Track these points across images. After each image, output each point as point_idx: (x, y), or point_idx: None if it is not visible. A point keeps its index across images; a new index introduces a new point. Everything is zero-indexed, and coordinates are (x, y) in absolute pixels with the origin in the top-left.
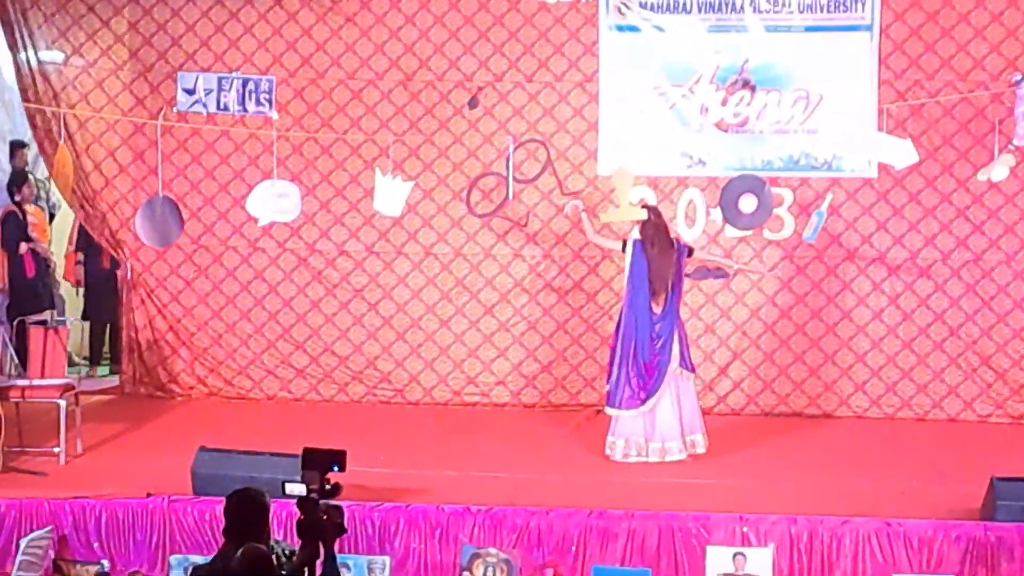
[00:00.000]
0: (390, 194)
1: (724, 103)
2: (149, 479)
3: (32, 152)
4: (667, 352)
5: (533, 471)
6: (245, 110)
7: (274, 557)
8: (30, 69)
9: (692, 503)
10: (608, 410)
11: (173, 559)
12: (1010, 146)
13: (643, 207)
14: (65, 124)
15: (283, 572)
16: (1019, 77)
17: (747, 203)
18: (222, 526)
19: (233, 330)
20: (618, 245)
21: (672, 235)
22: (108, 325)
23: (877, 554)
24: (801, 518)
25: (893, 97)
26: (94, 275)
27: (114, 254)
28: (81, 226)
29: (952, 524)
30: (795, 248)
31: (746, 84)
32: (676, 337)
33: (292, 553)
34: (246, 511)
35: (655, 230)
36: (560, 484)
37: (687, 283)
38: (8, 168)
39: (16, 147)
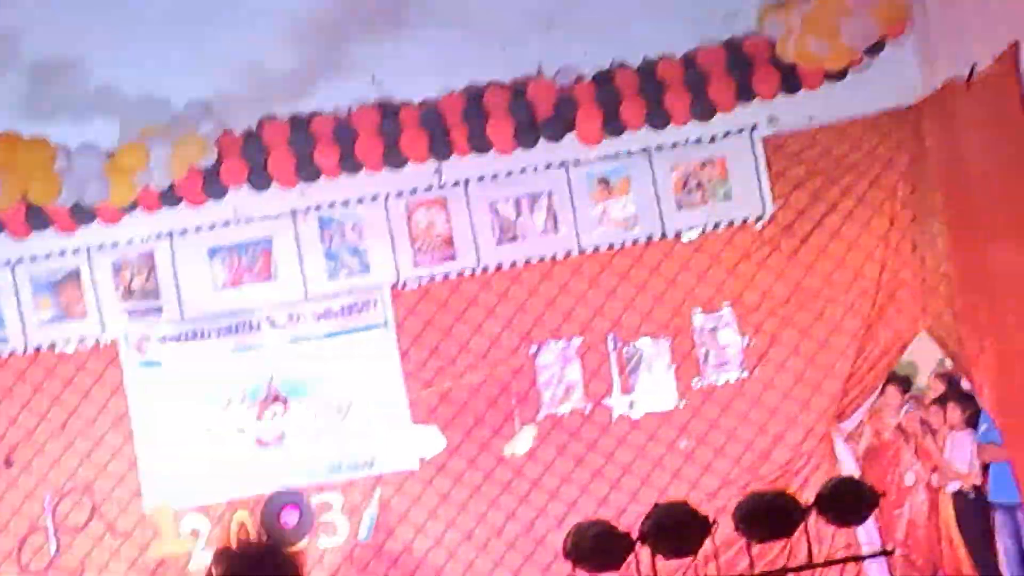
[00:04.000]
0: None
1: (259, 418)
2: None
3: None
4: None
5: None
6: None
7: None
8: None
9: None
10: None
11: None
12: (538, 416)
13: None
14: None
15: None
16: (535, 348)
17: (290, 516)
18: None
19: None
20: None
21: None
22: None
23: None
24: None
25: (419, 387)
26: None
27: None
28: None
29: None
30: (354, 548)
31: (277, 398)
32: None
33: None
34: None
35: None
36: None
37: None
38: None
39: None
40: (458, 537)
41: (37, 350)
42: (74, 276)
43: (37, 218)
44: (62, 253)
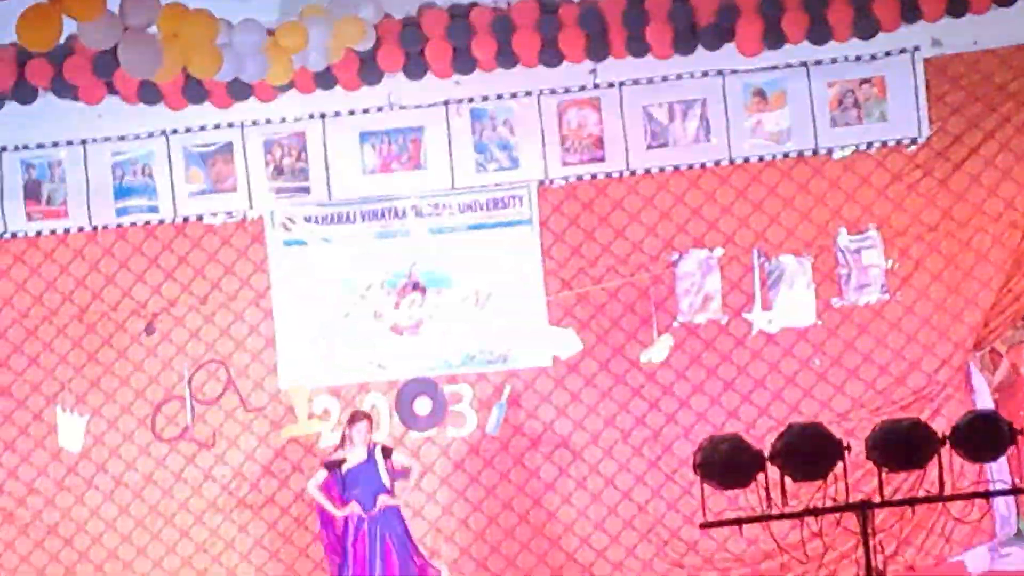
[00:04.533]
0: (71, 430)
1: (397, 307)
2: None
3: None
4: (388, 553)
5: None
6: None
7: None
8: None
9: None
10: None
11: None
12: (675, 323)
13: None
14: None
15: None
16: (677, 256)
17: (422, 406)
18: None
19: None
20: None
21: (367, 439)
22: None
23: None
24: None
25: (559, 286)
26: None
27: None
28: None
29: None
30: (480, 442)
31: (416, 286)
32: (397, 537)
33: None
34: None
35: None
36: None
37: None
38: None
39: None
40: (585, 438)
41: (185, 221)
42: (226, 150)
43: (195, 91)
44: (216, 127)
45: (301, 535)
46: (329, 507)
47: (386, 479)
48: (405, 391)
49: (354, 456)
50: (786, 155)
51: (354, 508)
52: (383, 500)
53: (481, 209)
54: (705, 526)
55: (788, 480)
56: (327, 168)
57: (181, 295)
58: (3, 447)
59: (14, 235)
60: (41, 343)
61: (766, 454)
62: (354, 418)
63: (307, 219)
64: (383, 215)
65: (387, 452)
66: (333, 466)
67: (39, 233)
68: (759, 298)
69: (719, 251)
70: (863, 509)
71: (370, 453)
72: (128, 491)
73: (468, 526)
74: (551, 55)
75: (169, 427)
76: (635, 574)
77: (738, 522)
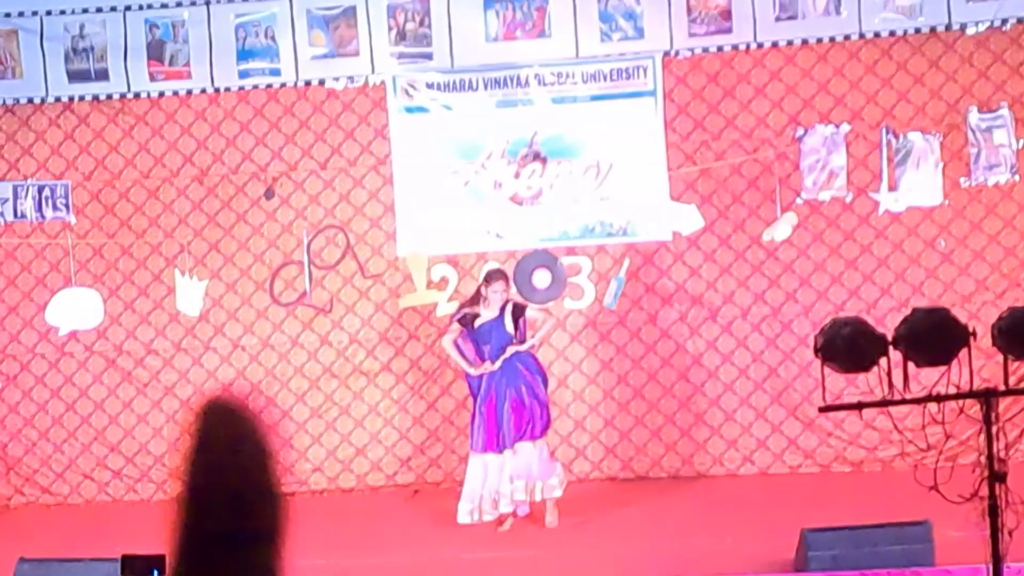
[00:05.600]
0: (189, 293)
1: (517, 176)
2: None
3: None
4: (516, 408)
5: (351, 556)
6: (43, 216)
7: None
8: None
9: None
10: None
11: None
12: (798, 200)
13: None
14: None
15: None
16: (802, 132)
17: (541, 278)
18: None
19: (46, 436)
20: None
21: (502, 298)
22: None
23: None
24: None
25: (681, 159)
26: None
27: None
28: None
29: None
30: (598, 315)
31: (537, 156)
32: (525, 395)
33: None
34: None
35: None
36: (378, 567)
37: None
38: None
39: None
40: (703, 314)
41: (307, 84)
42: (349, 14)
43: None
44: None
45: (415, 403)
46: (462, 363)
47: (516, 336)
48: (524, 262)
49: (487, 312)
50: (917, 30)
51: (486, 367)
52: (511, 349)
53: (604, 80)
54: (824, 409)
55: (910, 365)
56: (450, 35)
57: (301, 159)
58: (123, 307)
59: (137, 95)
60: (161, 205)
61: (889, 337)
62: (490, 277)
63: (429, 86)
64: (505, 83)
65: (519, 310)
66: (466, 321)
67: (161, 94)
68: (885, 176)
69: (846, 127)
70: (987, 397)
71: (502, 311)
72: (245, 354)
73: (583, 399)
74: None
75: (287, 292)
76: (749, 452)
77: (858, 407)
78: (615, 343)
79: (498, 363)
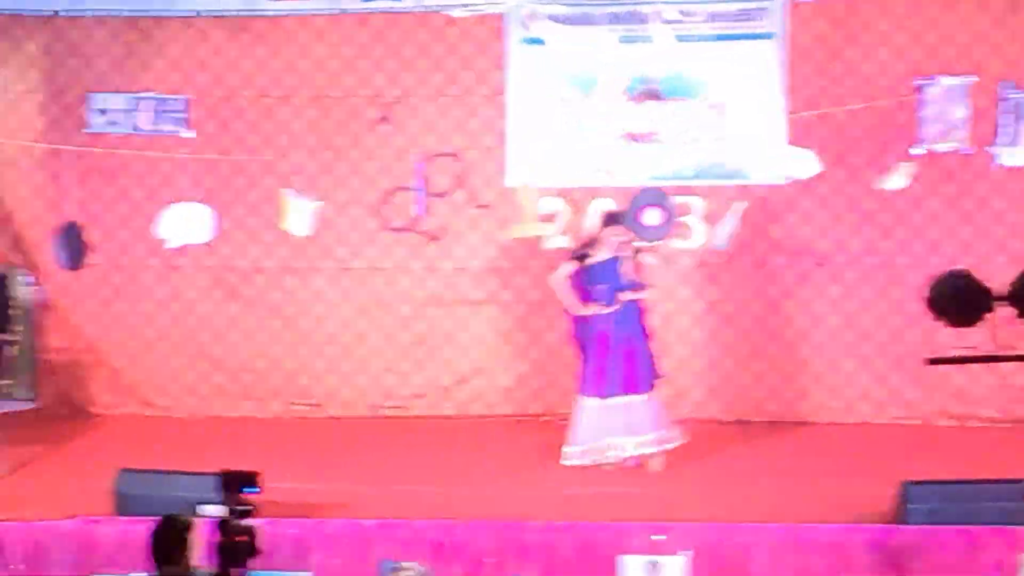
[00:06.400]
0: (299, 214)
1: (633, 113)
2: (70, 501)
3: None
4: (627, 359)
5: (452, 484)
6: (159, 130)
7: None
8: None
9: (607, 512)
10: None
11: None
12: (916, 150)
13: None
14: None
15: None
16: (924, 82)
17: (651, 216)
18: (144, 546)
19: (151, 349)
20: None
21: (615, 242)
22: None
23: (789, 559)
24: (715, 525)
25: (800, 104)
26: None
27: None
28: None
29: (863, 528)
30: (706, 256)
31: (654, 94)
32: (636, 346)
33: None
34: (168, 536)
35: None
36: (479, 496)
37: None
38: None
39: None
40: (813, 260)
41: (427, 11)
42: None
43: None
44: None
45: (520, 335)
46: (571, 301)
47: (630, 278)
48: (635, 200)
49: (602, 256)
50: None
51: (595, 306)
52: (625, 295)
53: (727, 19)
54: (931, 362)
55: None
56: None
57: (418, 86)
58: (233, 224)
59: (259, 14)
60: (276, 124)
61: (1000, 292)
62: (607, 220)
63: (549, 17)
64: (627, 19)
65: (635, 255)
66: (579, 260)
67: (284, 14)
68: (1006, 131)
69: (969, 79)
70: None
71: (617, 255)
72: (352, 278)
73: (687, 339)
74: None
75: (397, 217)
76: (852, 401)
77: (965, 361)
78: (722, 285)
79: (610, 308)
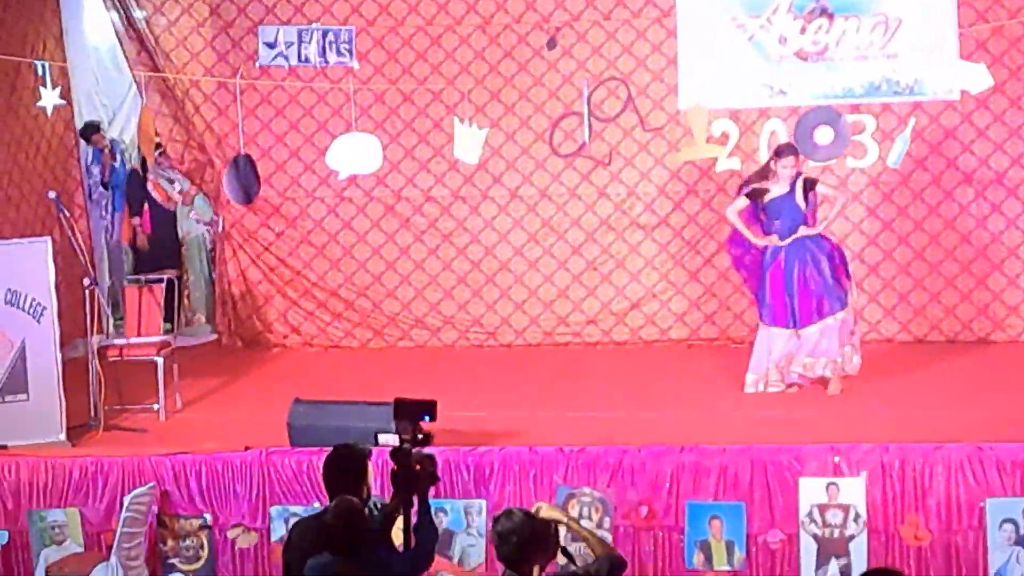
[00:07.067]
0: (468, 142)
1: (803, 32)
2: (247, 432)
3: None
4: (804, 289)
5: (627, 409)
6: (326, 61)
7: (367, 509)
8: (133, 28)
9: (785, 435)
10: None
11: (273, 510)
12: None
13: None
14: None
15: (375, 524)
16: None
17: (823, 135)
18: (320, 477)
19: (324, 280)
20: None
21: (792, 173)
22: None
23: (970, 479)
24: (893, 446)
25: (973, 17)
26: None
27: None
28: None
29: None
30: (880, 174)
31: (824, 12)
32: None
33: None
34: (344, 466)
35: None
36: (654, 421)
37: None
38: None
39: (91, 131)
40: (990, 176)
41: None
42: None
43: None
44: None
45: (692, 259)
46: (748, 235)
47: (806, 210)
48: (806, 119)
49: (777, 188)
50: None
51: (772, 240)
52: (802, 231)
53: None
54: None
55: None
56: None
57: (585, 10)
58: (402, 154)
59: None
60: (444, 52)
61: None
62: (781, 151)
63: None
64: None
65: (811, 184)
66: (755, 195)
67: None
68: None
69: None
70: None
71: (792, 185)
72: (523, 204)
73: (863, 259)
74: None
75: (566, 143)
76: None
77: None
78: (897, 204)
79: (787, 241)
